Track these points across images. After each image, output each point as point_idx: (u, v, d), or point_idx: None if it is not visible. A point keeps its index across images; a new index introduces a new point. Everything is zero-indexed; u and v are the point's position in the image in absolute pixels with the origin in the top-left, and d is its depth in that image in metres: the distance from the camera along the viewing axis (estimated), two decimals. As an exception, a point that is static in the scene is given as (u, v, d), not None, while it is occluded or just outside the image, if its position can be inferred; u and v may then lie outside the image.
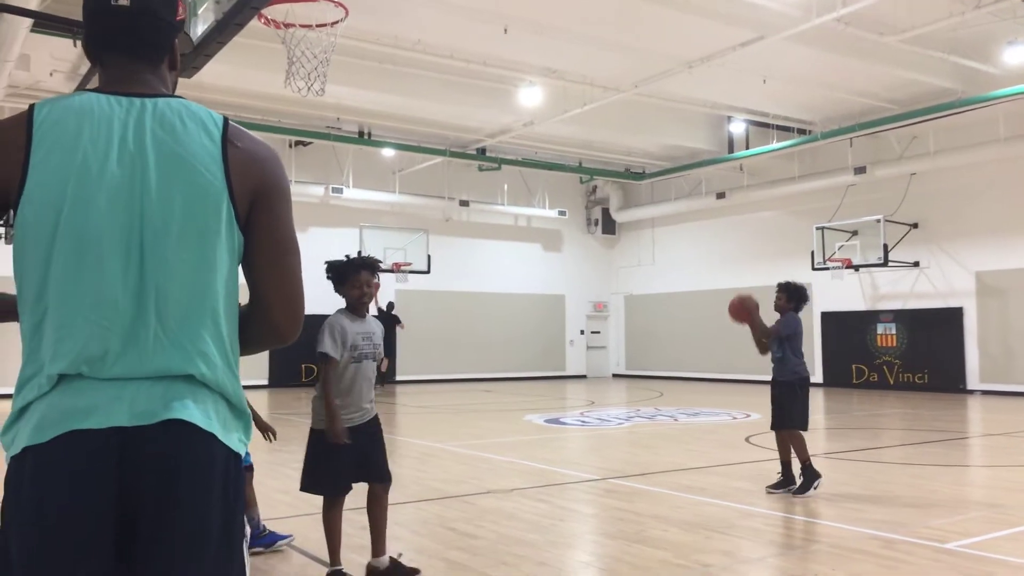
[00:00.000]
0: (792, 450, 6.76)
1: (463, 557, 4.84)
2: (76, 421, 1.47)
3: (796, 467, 6.74)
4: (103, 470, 1.45)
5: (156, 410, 1.51)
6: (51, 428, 1.47)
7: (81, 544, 1.44)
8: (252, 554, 5.04)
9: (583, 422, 12.86)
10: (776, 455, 6.97)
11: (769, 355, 7.00)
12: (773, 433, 6.97)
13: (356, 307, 4.42)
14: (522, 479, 7.70)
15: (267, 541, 5.08)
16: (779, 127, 19.07)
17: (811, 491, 6.54)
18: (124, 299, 1.53)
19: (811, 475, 6.62)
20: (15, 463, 1.48)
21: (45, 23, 10.82)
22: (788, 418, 6.77)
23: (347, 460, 4.30)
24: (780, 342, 6.82)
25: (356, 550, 4.78)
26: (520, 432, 11.76)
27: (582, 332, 25.82)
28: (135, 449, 1.47)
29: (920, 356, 18.48)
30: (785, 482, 6.73)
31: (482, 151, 21.26)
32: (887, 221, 18.06)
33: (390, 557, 4.48)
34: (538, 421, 12.79)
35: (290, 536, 5.20)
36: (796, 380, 6.81)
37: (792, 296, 6.90)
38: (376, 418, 4.51)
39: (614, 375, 25.89)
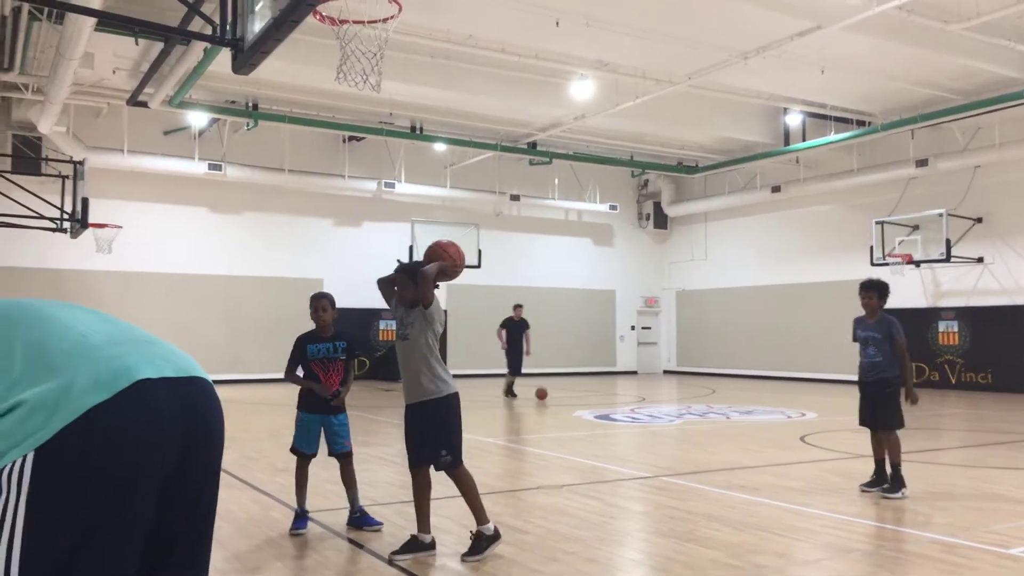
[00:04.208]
0: (884, 450, 6.70)
1: (512, 552, 4.84)
2: (135, 373, 1.58)
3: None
4: (172, 412, 1.61)
5: (186, 366, 1.69)
6: (113, 383, 1.55)
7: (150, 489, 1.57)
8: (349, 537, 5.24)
9: (633, 419, 12.77)
10: (834, 454, 6.82)
11: (860, 354, 6.91)
12: (829, 433, 6.86)
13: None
14: (572, 475, 7.68)
15: (359, 522, 5.43)
16: (837, 119, 18.64)
17: (899, 494, 6.42)
18: None
19: (900, 480, 6.53)
20: (81, 427, 1.50)
21: (108, 22, 11.13)
22: (899, 418, 6.68)
23: None
24: (879, 342, 6.74)
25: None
26: (570, 428, 11.73)
27: (633, 328, 25.64)
28: (187, 395, 1.65)
29: (984, 355, 17.92)
30: (878, 481, 6.66)
31: (533, 145, 21.23)
32: (950, 215, 17.54)
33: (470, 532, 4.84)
34: (588, 417, 12.74)
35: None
36: (898, 378, 6.76)
37: (883, 294, 6.85)
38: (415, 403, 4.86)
39: (665, 371, 25.67)
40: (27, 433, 1.50)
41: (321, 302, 5.57)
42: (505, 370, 16.32)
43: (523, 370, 16.23)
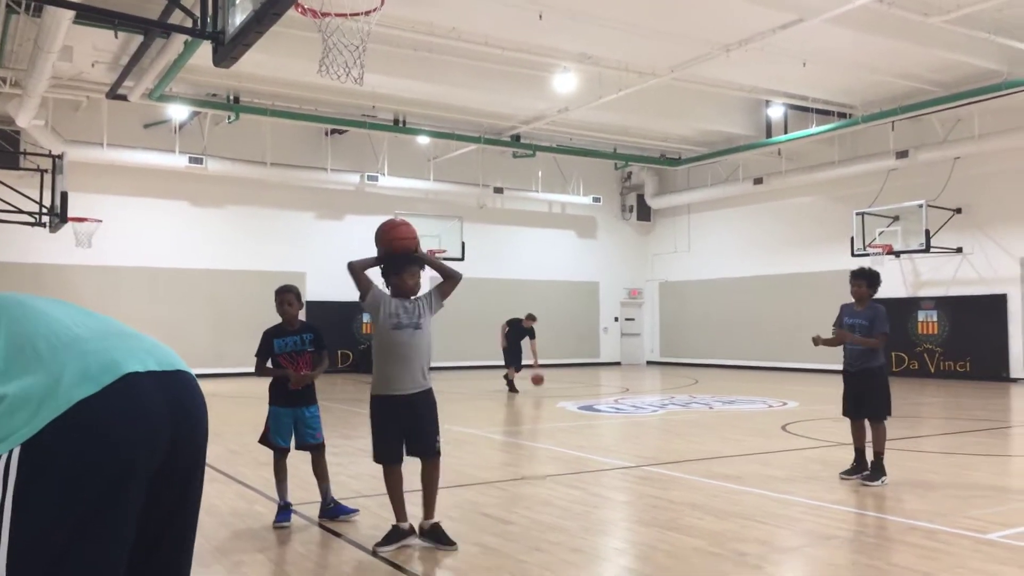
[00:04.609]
0: (865, 438, 6.77)
1: (497, 542, 4.87)
2: (122, 367, 1.58)
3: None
4: (159, 405, 1.61)
5: (169, 359, 1.68)
6: (101, 377, 1.54)
7: (140, 483, 1.58)
8: (321, 525, 5.35)
9: (617, 409, 12.84)
10: (815, 443, 6.90)
11: (844, 345, 6.96)
12: (811, 422, 6.94)
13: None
14: (556, 466, 7.73)
15: (333, 513, 5.46)
16: (818, 111, 18.75)
17: (879, 482, 6.49)
18: None
19: (881, 469, 6.60)
20: (67, 423, 1.50)
21: (87, 15, 11.02)
22: (887, 408, 6.75)
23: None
24: (866, 330, 6.78)
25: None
26: (554, 419, 11.78)
27: (616, 319, 25.73)
28: (172, 389, 1.65)
29: (962, 344, 18.14)
30: (858, 468, 6.73)
31: (516, 138, 21.22)
32: (929, 206, 17.71)
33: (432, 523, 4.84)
34: (572, 408, 12.79)
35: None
36: (882, 367, 6.83)
37: (873, 283, 6.90)
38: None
39: (648, 362, 25.79)
40: (12, 428, 1.49)
41: (287, 296, 5.55)
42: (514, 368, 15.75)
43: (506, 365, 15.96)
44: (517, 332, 15.74)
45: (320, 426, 5.60)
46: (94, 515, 1.48)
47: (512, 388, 15.55)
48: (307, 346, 5.55)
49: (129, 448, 1.52)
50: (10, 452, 1.46)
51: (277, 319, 5.67)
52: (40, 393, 1.51)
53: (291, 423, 5.48)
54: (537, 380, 15.08)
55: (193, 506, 1.74)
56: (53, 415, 1.49)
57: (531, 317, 16.01)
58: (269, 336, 5.56)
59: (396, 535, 4.78)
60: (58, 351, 1.58)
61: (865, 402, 6.78)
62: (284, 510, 5.40)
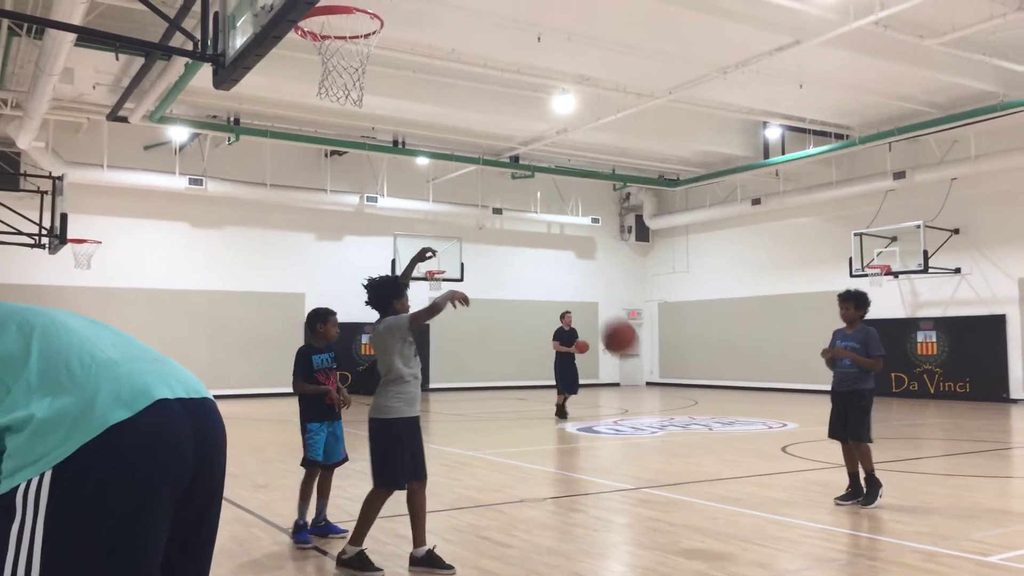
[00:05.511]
0: (858, 460, 6.73)
1: (496, 566, 4.84)
2: (153, 393, 1.60)
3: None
4: (187, 432, 1.63)
5: (195, 386, 1.71)
6: (133, 402, 1.55)
7: (167, 504, 1.59)
8: (315, 542, 5.40)
9: (616, 431, 12.79)
10: (815, 465, 6.87)
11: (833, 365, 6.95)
12: (810, 443, 6.91)
13: None
14: (555, 488, 7.69)
15: (324, 530, 5.56)
16: (816, 132, 18.85)
17: (878, 500, 6.47)
18: None
19: (876, 484, 6.58)
20: (104, 443, 1.50)
21: (88, 37, 11.10)
22: (868, 429, 6.70)
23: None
24: (856, 353, 6.77)
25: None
26: (553, 440, 11.74)
27: (616, 340, 25.67)
28: (197, 417, 1.67)
29: (962, 364, 18.11)
30: (854, 493, 6.66)
31: (515, 159, 21.30)
32: (927, 227, 17.76)
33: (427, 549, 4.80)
34: (571, 429, 12.75)
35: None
36: (871, 390, 6.80)
37: (860, 304, 6.89)
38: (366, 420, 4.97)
39: (648, 383, 25.73)
40: (44, 450, 1.46)
41: (334, 317, 5.82)
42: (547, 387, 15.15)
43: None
44: (566, 340, 14.90)
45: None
46: (124, 539, 1.47)
47: (561, 413, 14.57)
48: (334, 363, 5.80)
49: (159, 474, 1.53)
50: (42, 475, 1.45)
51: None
52: (73, 415, 1.50)
53: (325, 438, 5.62)
54: (582, 348, 14.70)
55: (210, 534, 1.73)
56: (86, 438, 1.47)
57: (565, 315, 15.21)
58: (307, 353, 5.75)
59: (366, 557, 4.79)
60: (91, 372, 1.57)
61: (850, 422, 6.74)
62: (305, 528, 5.45)
